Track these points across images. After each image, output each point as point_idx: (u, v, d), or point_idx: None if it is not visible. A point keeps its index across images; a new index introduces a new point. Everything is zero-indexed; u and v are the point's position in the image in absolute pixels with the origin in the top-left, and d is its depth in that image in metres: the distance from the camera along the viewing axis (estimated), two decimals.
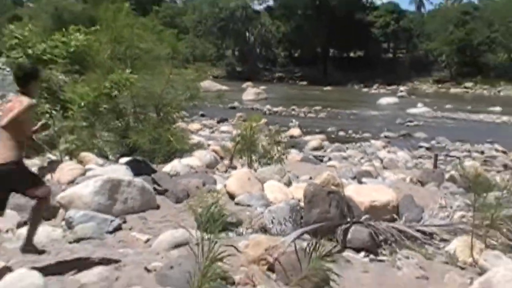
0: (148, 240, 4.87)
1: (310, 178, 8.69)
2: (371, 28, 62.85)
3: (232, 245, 4.40)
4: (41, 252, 4.12)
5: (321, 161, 15.51)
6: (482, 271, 4.34)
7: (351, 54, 68.72)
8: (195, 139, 14.64)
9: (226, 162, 10.63)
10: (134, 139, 9.95)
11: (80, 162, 8.22)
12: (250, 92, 39.57)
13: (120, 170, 6.97)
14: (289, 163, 10.86)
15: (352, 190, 6.62)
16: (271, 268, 4.16)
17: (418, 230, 5.39)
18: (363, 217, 5.51)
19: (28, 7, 70.63)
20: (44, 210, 4.14)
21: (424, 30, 61.19)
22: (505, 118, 29.16)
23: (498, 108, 33.35)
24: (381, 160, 16.02)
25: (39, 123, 4.18)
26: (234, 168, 9.82)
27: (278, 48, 68.43)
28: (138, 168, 7.39)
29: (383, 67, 59.69)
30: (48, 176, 7.08)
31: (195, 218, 5.19)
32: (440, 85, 55.15)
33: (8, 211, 4.94)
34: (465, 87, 52.73)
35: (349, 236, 5.05)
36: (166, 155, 10.18)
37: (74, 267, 3.91)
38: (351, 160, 16.17)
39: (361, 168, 12.46)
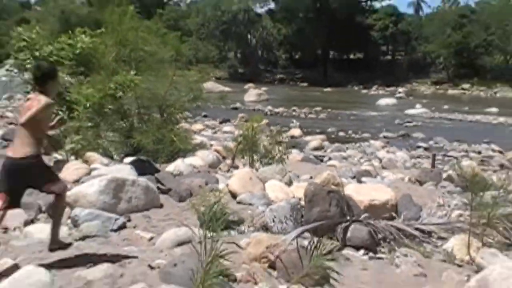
0: (152, 238, 4.87)
1: (311, 177, 8.69)
2: (371, 31, 62.81)
3: (233, 242, 4.40)
4: (68, 245, 4.21)
5: (322, 161, 15.49)
6: (479, 269, 4.33)
7: (351, 56, 68.71)
8: (198, 139, 14.64)
9: (228, 162, 10.64)
10: (138, 139, 9.95)
11: (86, 161, 8.23)
12: (252, 93, 39.56)
13: (124, 170, 6.97)
14: (290, 163, 10.86)
15: (351, 189, 6.62)
16: (272, 266, 4.16)
17: (416, 229, 5.39)
18: (363, 216, 5.51)
19: (35, 10, 70.81)
20: (63, 207, 4.20)
21: (422, 32, 61.16)
22: (501, 119, 29.11)
23: (494, 109, 33.30)
24: (380, 160, 16.00)
25: (56, 118, 4.24)
26: (236, 167, 9.83)
27: (279, 50, 68.42)
28: (142, 168, 7.39)
29: (382, 69, 59.68)
30: None
31: (198, 216, 5.19)
32: (437, 87, 55.10)
33: (15, 210, 4.96)
34: (462, 89, 52.67)
35: (348, 234, 5.05)
36: (169, 155, 10.18)
37: (84, 263, 3.93)
38: (351, 160, 16.15)
39: (361, 168, 12.46)
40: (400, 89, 50.95)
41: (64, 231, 4.86)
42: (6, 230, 4.84)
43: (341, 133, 23.43)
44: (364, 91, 52.55)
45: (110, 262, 3.94)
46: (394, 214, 6.18)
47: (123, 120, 10.76)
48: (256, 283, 3.86)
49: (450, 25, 56.38)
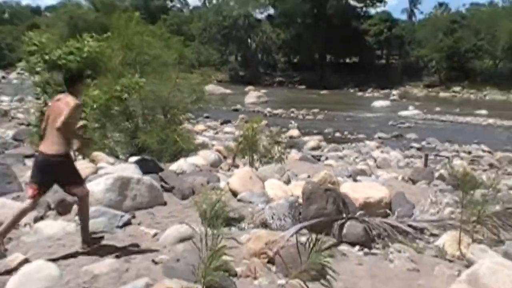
0: (155, 234, 4.86)
1: (308, 176, 8.67)
2: (366, 36, 62.79)
3: (233, 238, 4.40)
4: (100, 238, 4.36)
5: (319, 160, 15.49)
6: (469, 264, 4.33)
7: (347, 60, 68.73)
8: (200, 139, 14.66)
9: (229, 161, 10.63)
10: (143, 140, 9.95)
11: (92, 161, 8.22)
12: (252, 95, 39.56)
13: (129, 169, 6.96)
14: (289, 162, 10.84)
15: (347, 188, 6.61)
16: (271, 261, 4.16)
17: (409, 225, 5.38)
18: (358, 213, 5.50)
19: (45, 16, 70.91)
20: (86, 210, 4.27)
21: (415, 37, 61.16)
22: (490, 120, 29.12)
23: (484, 111, 33.29)
24: (375, 160, 16.01)
25: (79, 123, 4.36)
26: (237, 167, 9.82)
27: (278, 54, 68.46)
28: (146, 167, 7.38)
29: (376, 72, 59.66)
30: None
31: (200, 214, 5.19)
32: (430, 89, 55.06)
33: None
34: (453, 91, 52.66)
35: (344, 231, 5.04)
36: (172, 154, 10.18)
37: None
38: (347, 160, 16.15)
39: (356, 167, 12.47)
40: (394, 92, 50.90)
41: (71, 227, 4.86)
42: (17, 226, 4.84)
43: (338, 134, 23.43)
44: (360, 93, 52.54)
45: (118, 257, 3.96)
46: (388, 211, 6.18)
47: (128, 121, 10.75)
48: (255, 278, 3.86)
49: (442, 31, 56.38)
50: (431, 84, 56.51)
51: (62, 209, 5.34)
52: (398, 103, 40.52)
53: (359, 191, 6.38)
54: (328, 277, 3.43)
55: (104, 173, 6.48)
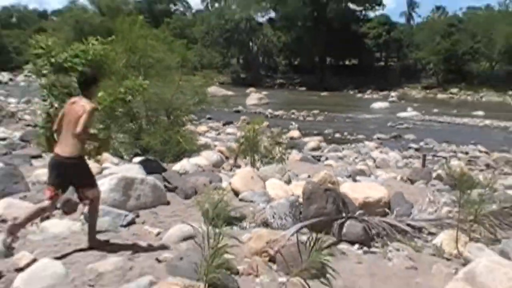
0: (159, 233, 4.86)
1: (309, 176, 8.66)
2: (365, 39, 62.74)
3: (234, 237, 4.40)
4: (106, 242, 4.32)
5: (319, 160, 15.47)
6: (466, 262, 4.32)
7: (347, 62, 68.70)
8: (202, 140, 14.66)
9: (231, 161, 10.62)
10: (146, 140, 9.95)
11: (97, 161, 8.23)
12: (253, 97, 39.54)
13: (133, 169, 6.96)
14: (289, 162, 10.84)
15: (347, 187, 6.60)
16: (272, 260, 4.16)
17: (408, 224, 5.38)
18: (357, 212, 5.50)
19: (52, 20, 71.00)
20: (96, 212, 4.31)
21: (413, 40, 61.10)
22: (487, 121, 29.06)
23: (480, 113, 33.23)
24: (374, 160, 15.98)
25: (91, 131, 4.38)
26: (238, 167, 9.81)
27: (279, 57, 68.43)
28: (150, 167, 7.38)
29: (375, 74, 59.66)
30: None
31: (202, 213, 5.19)
32: (428, 91, 55.00)
33: (32, 206, 4.96)
34: (451, 93, 52.59)
35: (344, 230, 5.04)
36: (176, 155, 10.18)
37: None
38: (347, 160, 16.13)
39: (356, 167, 12.44)
40: (393, 93, 50.87)
41: (77, 226, 4.86)
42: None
43: (337, 135, 23.40)
44: (359, 95, 52.50)
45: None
46: (387, 211, 6.17)
47: (132, 123, 10.76)
48: (257, 276, 3.86)
49: (439, 34, 56.34)
50: (429, 86, 56.46)
51: (67, 208, 5.35)
52: (397, 104, 40.46)
53: (358, 191, 6.37)
54: (328, 275, 3.43)
55: (108, 174, 6.48)
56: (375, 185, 7.11)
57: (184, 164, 8.48)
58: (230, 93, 34.44)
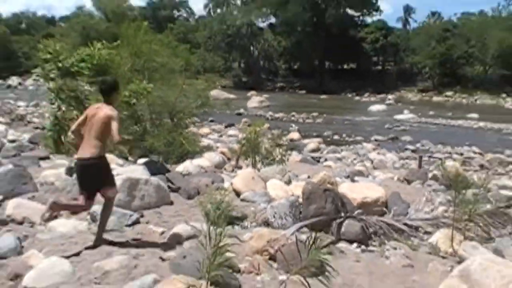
0: (163, 233, 4.86)
1: (308, 177, 8.66)
2: (363, 43, 62.64)
3: (235, 236, 4.39)
4: (111, 242, 4.28)
5: (318, 161, 15.47)
6: (461, 260, 4.32)
7: (345, 67, 68.60)
8: (205, 142, 14.67)
9: (233, 162, 10.63)
10: (150, 142, 9.96)
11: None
12: (254, 100, 39.54)
13: (138, 170, 6.96)
14: (289, 163, 10.84)
15: (345, 188, 6.61)
16: (273, 258, 4.16)
17: (404, 224, 5.38)
18: (356, 212, 5.50)
19: (59, 26, 71.11)
20: (111, 210, 4.34)
21: (409, 45, 61.03)
22: (481, 123, 29.02)
23: (475, 115, 33.18)
24: (372, 161, 15.98)
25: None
26: (240, 168, 9.82)
27: (280, 61, 68.39)
28: (154, 168, 7.39)
29: (373, 78, 59.57)
30: (74, 175, 7.07)
31: (205, 213, 5.19)
32: (423, 94, 54.93)
33: (40, 206, 4.97)
34: (446, 96, 52.51)
35: (343, 229, 5.03)
36: (179, 156, 10.18)
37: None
38: (345, 161, 16.13)
39: (354, 168, 12.44)
40: (390, 96, 50.82)
41: (83, 226, 4.87)
42: (32, 224, 4.86)
43: (336, 137, 23.39)
44: (357, 98, 52.44)
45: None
46: (384, 210, 6.17)
47: (137, 125, 10.77)
48: (258, 274, 3.85)
49: (435, 38, 56.28)
50: (425, 89, 56.37)
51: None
52: (394, 107, 40.41)
53: (356, 191, 6.37)
54: (327, 273, 3.42)
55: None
56: (373, 186, 7.11)
57: (187, 165, 8.48)
58: (231, 96, 34.39)
